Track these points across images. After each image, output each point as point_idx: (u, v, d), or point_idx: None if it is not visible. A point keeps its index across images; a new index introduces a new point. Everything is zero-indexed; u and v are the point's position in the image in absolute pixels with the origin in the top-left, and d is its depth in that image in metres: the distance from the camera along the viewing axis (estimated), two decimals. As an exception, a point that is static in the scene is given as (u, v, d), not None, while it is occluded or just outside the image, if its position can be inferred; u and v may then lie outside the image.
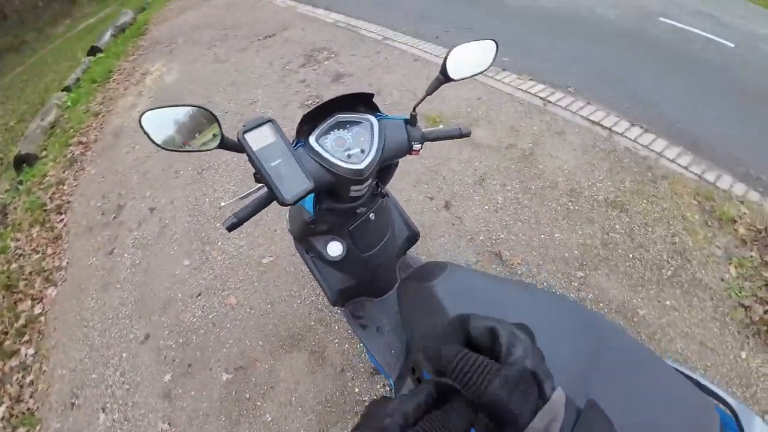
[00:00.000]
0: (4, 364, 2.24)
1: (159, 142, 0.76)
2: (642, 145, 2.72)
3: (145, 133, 0.75)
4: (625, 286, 2.01)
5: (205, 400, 1.89)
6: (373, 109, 1.04)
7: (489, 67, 1.02)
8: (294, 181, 0.83)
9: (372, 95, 1.00)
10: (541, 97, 3.14)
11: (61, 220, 3.05)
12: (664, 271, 2.05)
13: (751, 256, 2.05)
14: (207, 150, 0.80)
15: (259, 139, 0.84)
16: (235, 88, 4.22)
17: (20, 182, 3.42)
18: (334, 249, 1.24)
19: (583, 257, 2.13)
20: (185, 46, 5.48)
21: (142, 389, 2.00)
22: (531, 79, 3.40)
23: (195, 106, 0.78)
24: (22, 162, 3.62)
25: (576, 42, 4.39)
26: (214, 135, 0.80)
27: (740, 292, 1.92)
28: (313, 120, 0.97)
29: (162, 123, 0.76)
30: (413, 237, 1.51)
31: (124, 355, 2.15)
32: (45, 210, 3.12)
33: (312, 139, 0.96)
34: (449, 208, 2.42)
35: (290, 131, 1.11)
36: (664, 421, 0.68)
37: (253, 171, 0.83)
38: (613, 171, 2.53)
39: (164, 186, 3.19)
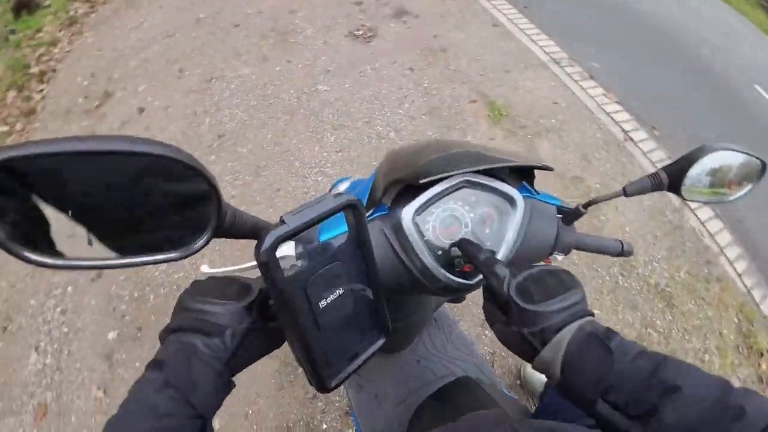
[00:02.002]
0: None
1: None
2: (708, 231, 2.35)
3: None
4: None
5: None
6: (520, 177, 0.61)
7: (739, 199, 0.61)
8: (349, 336, 0.44)
9: (551, 169, 0.59)
10: (623, 130, 2.65)
11: (41, 90, 2.57)
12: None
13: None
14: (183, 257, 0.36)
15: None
16: (279, -11, 3.53)
17: (12, 32, 2.85)
18: None
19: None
20: None
21: (82, 339, 1.72)
22: (618, 103, 2.86)
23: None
24: (23, 7, 3.00)
25: (682, 81, 3.71)
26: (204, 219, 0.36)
27: None
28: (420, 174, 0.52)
29: None
30: (457, 298, 1.17)
31: (69, 288, 1.84)
32: (27, 73, 2.61)
33: (407, 214, 0.53)
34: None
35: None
36: None
37: (272, 301, 0.42)
38: (673, 252, 2.17)
39: (163, 84, 2.70)
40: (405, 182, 0.52)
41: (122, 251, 0.34)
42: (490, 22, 3.37)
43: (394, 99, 2.73)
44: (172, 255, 0.35)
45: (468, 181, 0.56)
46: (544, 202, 0.63)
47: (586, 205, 0.61)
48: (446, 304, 1.67)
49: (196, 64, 2.84)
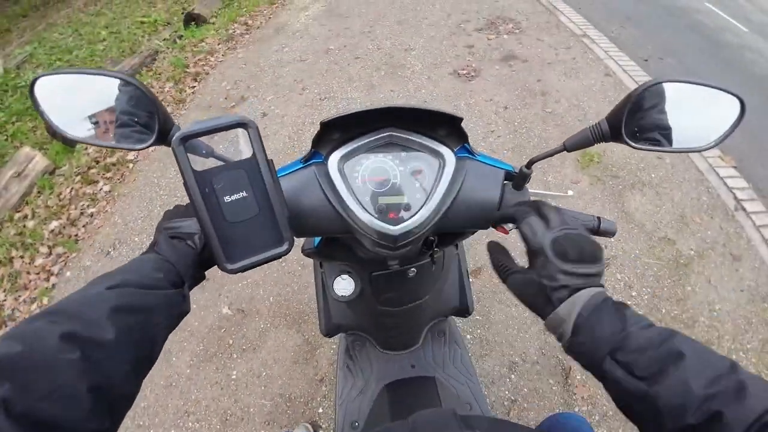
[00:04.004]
0: (82, 186, 2.50)
1: (60, 127, 0.51)
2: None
3: (39, 110, 0.50)
4: None
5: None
6: (458, 139, 0.63)
7: (712, 146, 0.54)
8: (256, 236, 0.51)
9: (460, 120, 0.58)
10: (736, 197, 2.26)
11: (193, 87, 3.24)
12: None
13: None
14: (132, 149, 0.53)
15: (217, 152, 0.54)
16: (400, 27, 3.93)
17: (180, 37, 3.69)
18: (341, 287, 0.89)
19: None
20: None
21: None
22: (735, 168, 2.46)
23: (123, 79, 0.50)
24: (192, 20, 3.89)
25: None
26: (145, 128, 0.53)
27: None
28: (347, 126, 0.59)
29: (69, 96, 0.51)
30: (461, 311, 1.14)
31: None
32: (185, 71, 3.34)
33: (333, 161, 0.59)
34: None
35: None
36: None
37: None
38: (767, 346, 1.73)
39: (286, 98, 3.17)
40: (321, 124, 0.57)
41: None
42: (602, 71, 3.24)
43: (479, 132, 2.78)
44: (126, 146, 0.53)
45: (394, 135, 0.60)
46: (490, 165, 0.64)
47: (529, 164, 0.61)
48: (459, 324, 1.60)
49: (317, 84, 3.29)
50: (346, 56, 3.63)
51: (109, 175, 2.60)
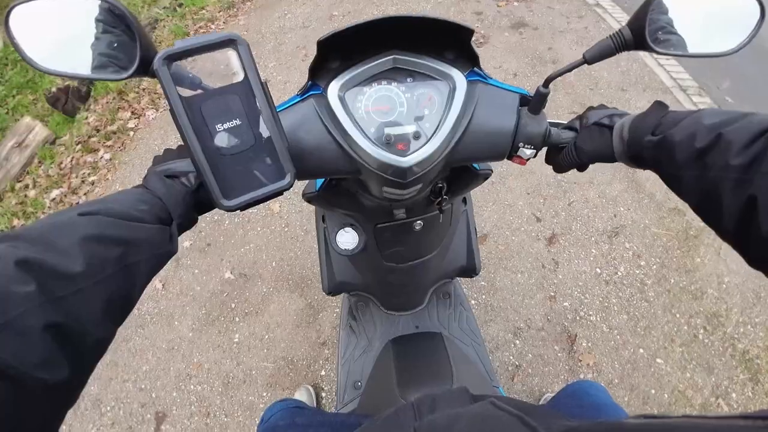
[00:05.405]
0: (82, 155, 2.47)
1: (36, 60, 0.45)
2: None
3: (14, 42, 0.45)
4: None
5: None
6: (467, 61, 0.57)
7: (735, 51, 0.51)
8: (254, 170, 0.46)
9: (471, 32, 0.51)
10: None
11: (194, 54, 3.17)
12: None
13: None
14: (111, 79, 0.48)
15: (203, 76, 0.50)
16: (408, -13, 3.79)
17: (180, 5, 3.58)
18: (344, 240, 0.86)
19: (669, 406, 1.52)
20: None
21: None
22: None
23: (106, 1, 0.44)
24: None
25: None
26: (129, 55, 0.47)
27: None
28: (347, 51, 0.54)
29: (45, 24, 0.46)
30: (468, 271, 1.11)
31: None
32: (186, 39, 3.25)
33: (333, 89, 0.54)
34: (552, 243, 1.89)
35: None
36: None
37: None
38: None
39: (288, 64, 3.09)
40: (318, 43, 0.50)
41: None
42: (616, 41, 3.12)
43: (487, 101, 2.70)
44: (105, 76, 0.48)
45: (398, 59, 0.55)
46: (504, 89, 0.60)
47: (546, 83, 0.56)
48: (463, 286, 1.58)
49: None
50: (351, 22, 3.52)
51: (109, 143, 2.56)
